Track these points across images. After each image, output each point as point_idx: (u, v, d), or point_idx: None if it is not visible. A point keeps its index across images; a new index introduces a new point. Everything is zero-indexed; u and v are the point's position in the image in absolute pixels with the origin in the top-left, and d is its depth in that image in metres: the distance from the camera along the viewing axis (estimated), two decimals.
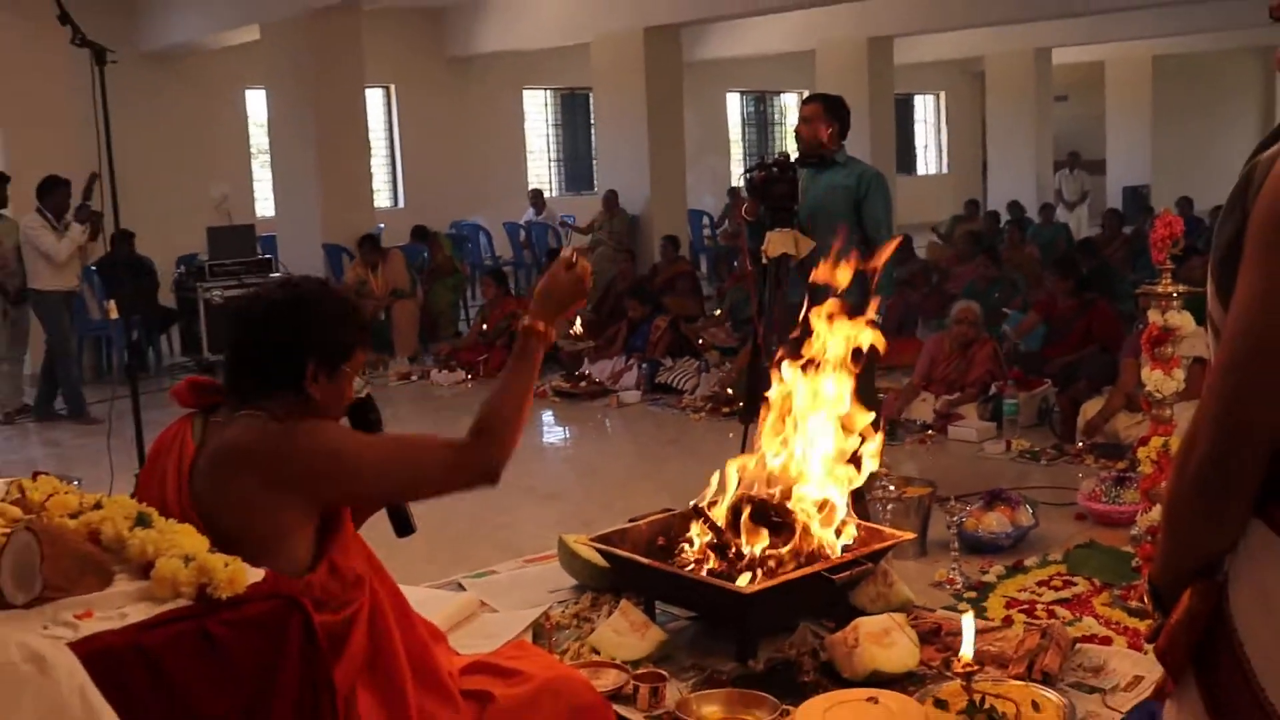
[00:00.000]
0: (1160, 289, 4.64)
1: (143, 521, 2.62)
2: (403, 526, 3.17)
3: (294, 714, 2.42)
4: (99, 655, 2.20)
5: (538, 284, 3.15)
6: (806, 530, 3.98)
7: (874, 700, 3.22)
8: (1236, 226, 1.79)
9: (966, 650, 3.34)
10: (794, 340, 4.37)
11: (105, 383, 9.92)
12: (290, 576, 2.59)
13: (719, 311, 12.12)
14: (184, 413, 2.90)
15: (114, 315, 8.55)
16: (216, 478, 2.71)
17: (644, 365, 10.32)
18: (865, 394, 6.24)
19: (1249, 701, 1.79)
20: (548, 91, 20.94)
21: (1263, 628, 1.79)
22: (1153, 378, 4.70)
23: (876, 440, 4.21)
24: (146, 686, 2.27)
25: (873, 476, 5.65)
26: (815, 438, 4.17)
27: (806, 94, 6.81)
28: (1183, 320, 4.64)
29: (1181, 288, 4.65)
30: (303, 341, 2.77)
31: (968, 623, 3.43)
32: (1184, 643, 1.85)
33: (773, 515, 3.99)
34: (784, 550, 3.92)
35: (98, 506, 2.75)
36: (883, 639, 3.58)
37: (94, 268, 11.61)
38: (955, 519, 5.39)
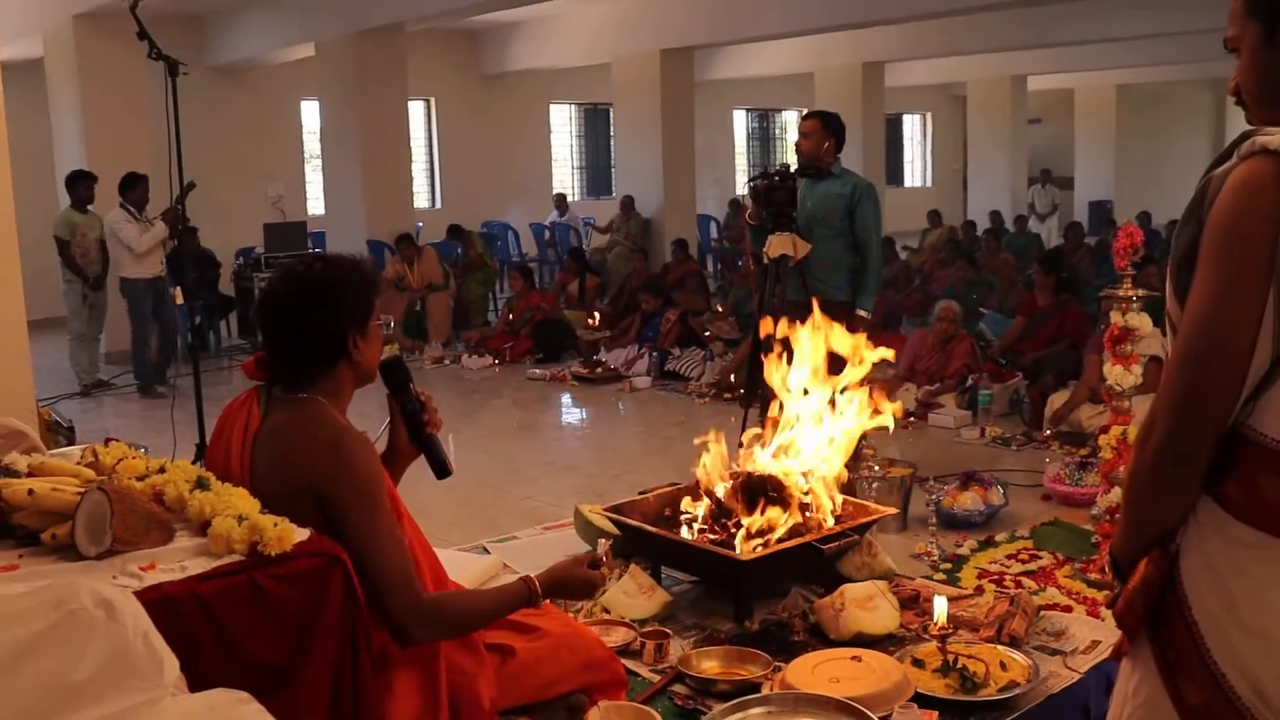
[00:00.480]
0: (1121, 293, 4.63)
1: (201, 485, 2.62)
2: (440, 469, 3.11)
3: (335, 658, 2.42)
4: (161, 603, 2.21)
5: (561, 564, 3.02)
6: (799, 503, 3.97)
7: (857, 659, 3.21)
8: (1192, 235, 1.82)
9: (940, 613, 3.34)
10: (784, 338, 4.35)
11: (176, 361, 9.95)
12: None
13: (723, 306, 12.10)
14: (250, 385, 2.88)
15: (179, 301, 8.59)
16: (274, 461, 2.69)
17: (654, 354, 10.31)
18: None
19: (1196, 659, 1.82)
20: (572, 106, 20.90)
21: (1209, 593, 1.81)
22: (1113, 373, 4.69)
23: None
24: (203, 631, 2.28)
25: (861, 458, 5.68)
26: (810, 418, 4.16)
27: (806, 111, 6.77)
28: (1141, 321, 4.63)
29: (1141, 292, 4.64)
30: (339, 317, 2.73)
31: (939, 601, 3.42)
32: (1140, 607, 1.87)
33: (769, 489, 3.98)
34: (779, 521, 3.91)
35: (162, 470, 2.76)
36: (866, 604, 3.57)
37: (164, 258, 11.64)
38: (933, 497, 5.38)
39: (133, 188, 9.89)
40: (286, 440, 2.69)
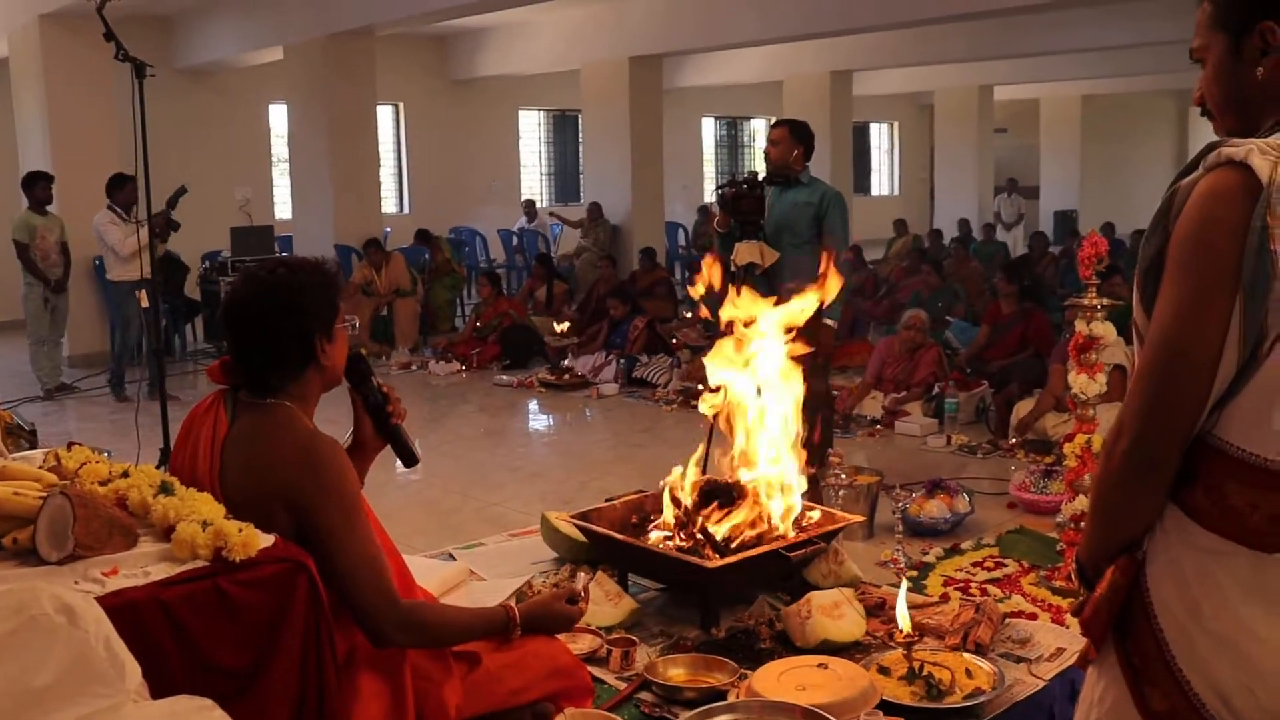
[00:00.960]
0: (1086, 302, 4.66)
1: (165, 489, 2.60)
2: (408, 458, 3.11)
3: (300, 665, 2.40)
4: (123, 609, 2.19)
5: (541, 598, 3.15)
6: (764, 511, 3.98)
7: (824, 666, 3.21)
8: (1158, 245, 1.83)
9: (904, 622, 3.35)
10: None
11: (135, 365, 9.85)
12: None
13: (690, 314, 12.11)
14: (214, 389, 2.86)
15: (144, 304, 8.55)
16: (244, 467, 2.66)
17: (622, 361, 10.31)
18: (819, 391, 6.28)
19: (1161, 665, 1.83)
20: (541, 112, 20.89)
21: (1174, 600, 1.82)
22: (1078, 381, 4.72)
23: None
24: (166, 638, 2.26)
25: (827, 465, 5.69)
26: (769, 426, 4.15)
27: (774, 119, 6.79)
28: (1106, 330, 4.66)
29: (1105, 301, 4.67)
30: (305, 321, 2.71)
31: (901, 598, 3.43)
32: (1106, 613, 1.88)
33: (735, 496, 3.99)
34: (744, 528, 3.91)
35: (125, 475, 2.73)
36: (833, 611, 3.57)
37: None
38: (900, 505, 5.39)
39: (120, 188, 9.77)
40: (256, 446, 2.67)
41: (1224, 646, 1.78)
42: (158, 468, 2.82)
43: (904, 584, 3.48)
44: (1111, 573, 1.88)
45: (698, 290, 4.71)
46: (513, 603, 3.01)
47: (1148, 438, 1.79)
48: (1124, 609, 1.88)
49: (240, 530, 2.39)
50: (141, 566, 2.38)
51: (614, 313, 11.01)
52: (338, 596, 2.60)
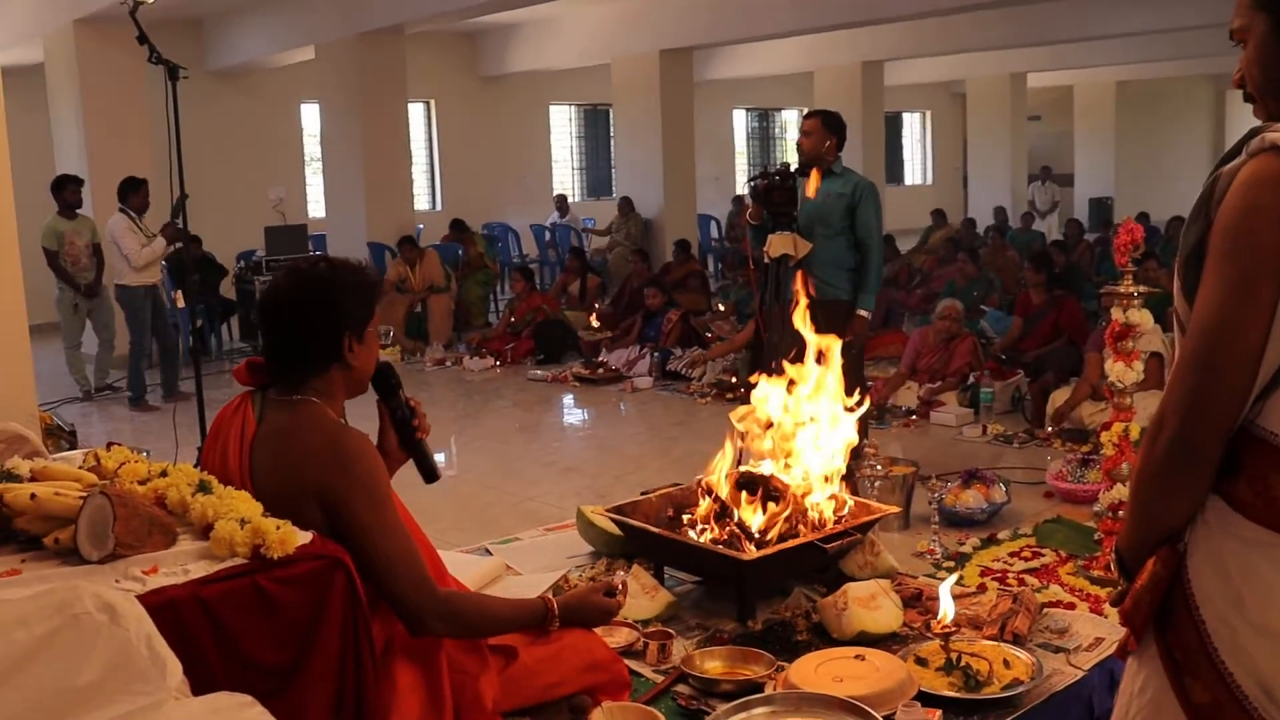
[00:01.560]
0: (1122, 289, 4.62)
1: (204, 488, 2.62)
2: (429, 474, 3.11)
3: (338, 661, 2.42)
4: (163, 607, 2.21)
5: (579, 591, 3.18)
6: (800, 503, 3.98)
7: (861, 658, 3.21)
8: (1200, 232, 1.80)
9: (946, 611, 3.34)
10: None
11: (174, 374, 9.90)
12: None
13: (724, 306, 12.10)
14: (242, 390, 2.88)
15: (181, 305, 8.59)
16: (274, 464, 2.69)
17: (656, 354, 10.31)
18: (854, 380, 6.27)
19: (1203, 657, 1.81)
20: (572, 107, 20.90)
21: (1216, 591, 1.80)
22: (1115, 369, 4.68)
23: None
24: (206, 635, 2.28)
25: (863, 456, 5.67)
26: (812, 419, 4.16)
27: (806, 111, 6.76)
28: (1142, 318, 4.62)
29: (1142, 288, 4.62)
30: (335, 316, 2.74)
31: (945, 589, 3.42)
32: (1148, 604, 1.86)
33: (771, 489, 3.99)
34: (781, 520, 3.91)
35: (164, 474, 2.75)
36: (869, 603, 3.57)
37: (164, 262, 11.63)
38: (936, 495, 5.37)
39: (134, 191, 9.75)
40: (285, 443, 2.70)
41: (1267, 638, 1.76)
42: (195, 467, 2.83)
43: (951, 577, 3.47)
44: (1153, 563, 1.86)
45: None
46: (551, 595, 3.02)
47: (1190, 428, 1.76)
48: (1165, 600, 1.86)
49: (278, 528, 2.40)
50: (181, 564, 2.40)
51: (651, 302, 10.95)
52: (375, 589, 2.62)
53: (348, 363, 2.77)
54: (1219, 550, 1.81)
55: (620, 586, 3.27)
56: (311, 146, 16.82)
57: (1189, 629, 1.83)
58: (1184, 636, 1.84)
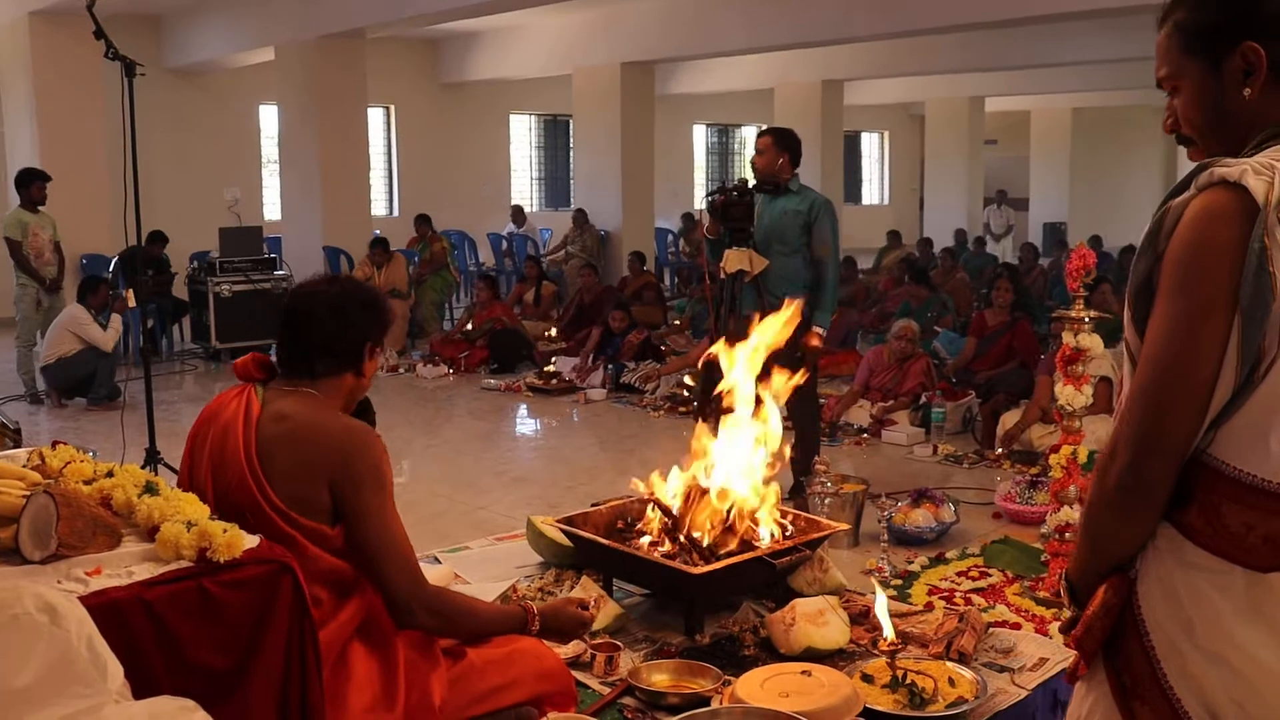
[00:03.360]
0: (1074, 314, 4.66)
1: (150, 489, 2.61)
2: None
3: (283, 666, 2.41)
4: (106, 608, 2.19)
5: (555, 602, 3.32)
6: (749, 518, 3.98)
7: (808, 673, 3.22)
8: (1149, 265, 1.82)
9: (888, 631, 3.35)
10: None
11: (121, 365, 9.80)
12: (319, 524, 2.72)
13: (679, 321, 12.12)
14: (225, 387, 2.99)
15: (131, 304, 8.48)
16: (284, 443, 2.76)
17: (610, 366, 10.31)
18: (808, 399, 6.29)
19: (1151, 682, 1.83)
20: (532, 116, 20.90)
21: (1166, 617, 1.81)
22: (1065, 393, 4.73)
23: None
24: (149, 638, 2.26)
25: (814, 473, 5.70)
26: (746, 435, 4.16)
27: (762, 127, 6.79)
28: (1093, 342, 4.67)
29: (1093, 313, 4.68)
30: (368, 327, 2.91)
31: (881, 608, 3.44)
32: (1099, 631, 1.87)
33: (718, 502, 3.99)
34: (730, 535, 3.91)
35: (110, 475, 2.73)
36: (817, 619, 3.58)
37: (115, 259, 11.55)
38: (885, 513, 5.41)
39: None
40: (298, 424, 2.78)
41: (1216, 663, 1.77)
42: (143, 468, 2.81)
43: (882, 593, 3.49)
44: (1104, 591, 1.87)
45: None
46: (532, 614, 3.09)
47: (1144, 461, 1.78)
48: (1115, 625, 1.88)
49: (225, 531, 2.39)
50: (125, 566, 2.38)
51: (615, 324, 10.84)
52: (371, 579, 2.77)
53: (361, 370, 2.92)
54: (1169, 576, 1.82)
55: (592, 602, 3.36)
56: (269, 148, 16.72)
57: (1138, 654, 1.84)
58: (1133, 661, 1.85)
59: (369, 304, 2.94)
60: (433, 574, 4.03)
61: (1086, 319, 4.65)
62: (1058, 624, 2.31)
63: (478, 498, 6.87)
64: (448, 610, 2.88)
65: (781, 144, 6.29)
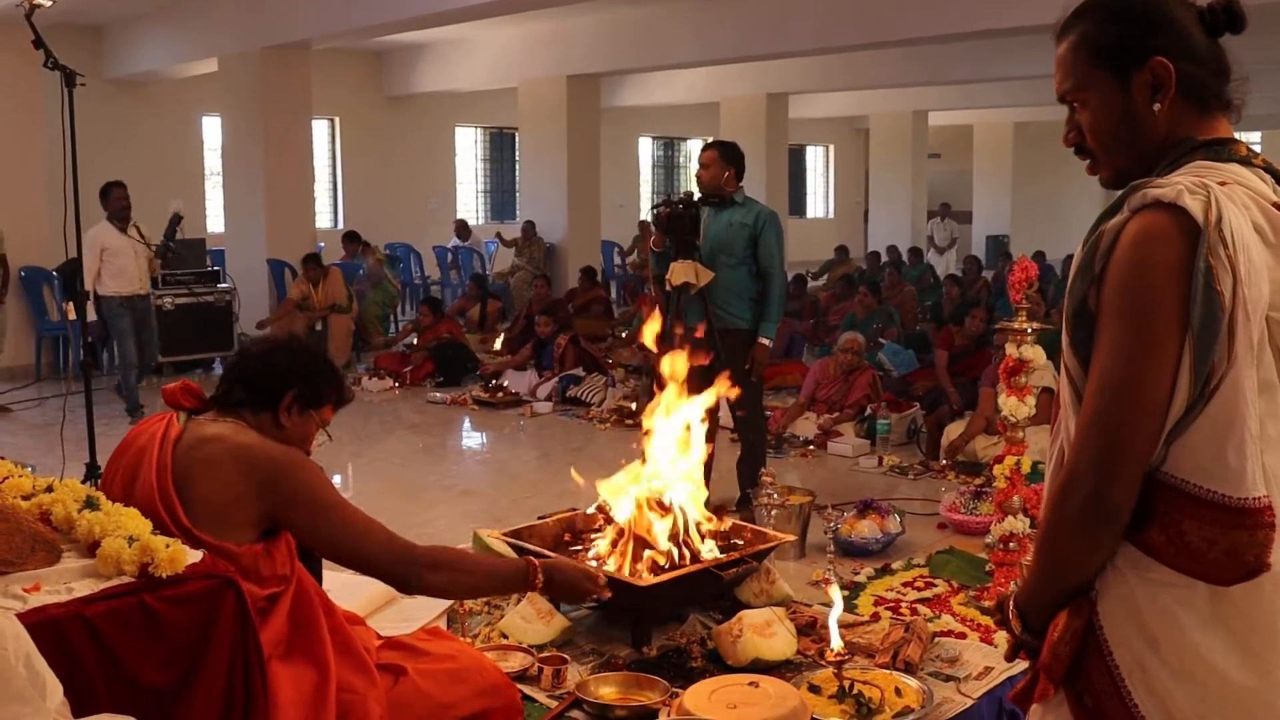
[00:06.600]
0: (1016, 325, 4.71)
1: (91, 504, 2.57)
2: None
3: (225, 682, 2.38)
4: (45, 625, 2.16)
5: (565, 559, 3.44)
6: (693, 531, 3.99)
7: (755, 685, 3.23)
8: (1084, 288, 1.80)
9: (836, 642, 3.37)
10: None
11: (60, 379, 9.67)
12: (229, 543, 2.66)
13: (625, 333, 12.12)
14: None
15: (71, 317, 8.36)
16: (203, 466, 2.73)
17: (559, 380, 10.29)
18: (754, 412, 6.31)
19: (1115, 701, 1.82)
20: (477, 129, 20.85)
21: (1130, 635, 1.80)
22: (1008, 404, 4.77)
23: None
24: (89, 655, 2.23)
25: (760, 485, 5.72)
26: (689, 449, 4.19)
27: (707, 141, 6.82)
28: (1035, 354, 4.71)
29: (1035, 325, 4.72)
30: (292, 373, 2.92)
31: (837, 607, 3.45)
32: (1066, 656, 1.85)
33: (664, 516, 3.99)
34: (675, 548, 3.92)
35: (49, 490, 2.69)
36: (764, 630, 3.59)
37: (55, 271, 11.42)
38: (832, 525, 5.43)
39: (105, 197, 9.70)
40: (219, 447, 2.77)
41: (1182, 679, 1.77)
42: (84, 483, 2.78)
43: (837, 608, 3.50)
44: (1067, 615, 1.85)
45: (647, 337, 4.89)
46: (536, 569, 3.08)
47: (1108, 487, 1.76)
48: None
49: (168, 546, 2.36)
50: (65, 582, 2.35)
51: (541, 330, 10.92)
52: (362, 572, 2.86)
53: (279, 419, 2.90)
54: (1131, 594, 1.81)
55: (602, 580, 3.31)
56: (212, 160, 16.57)
57: (1100, 674, 1.83)
58: (1094, 682, 1.84)
59: (301, 353, 3.00)
60: (374, 589, 4.02)
61: (1029, 330, 4.70)
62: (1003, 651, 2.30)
63: (423, 511, 6.83)
64: (447, 560, 2.95)
65: (727, 157, 6.32)
